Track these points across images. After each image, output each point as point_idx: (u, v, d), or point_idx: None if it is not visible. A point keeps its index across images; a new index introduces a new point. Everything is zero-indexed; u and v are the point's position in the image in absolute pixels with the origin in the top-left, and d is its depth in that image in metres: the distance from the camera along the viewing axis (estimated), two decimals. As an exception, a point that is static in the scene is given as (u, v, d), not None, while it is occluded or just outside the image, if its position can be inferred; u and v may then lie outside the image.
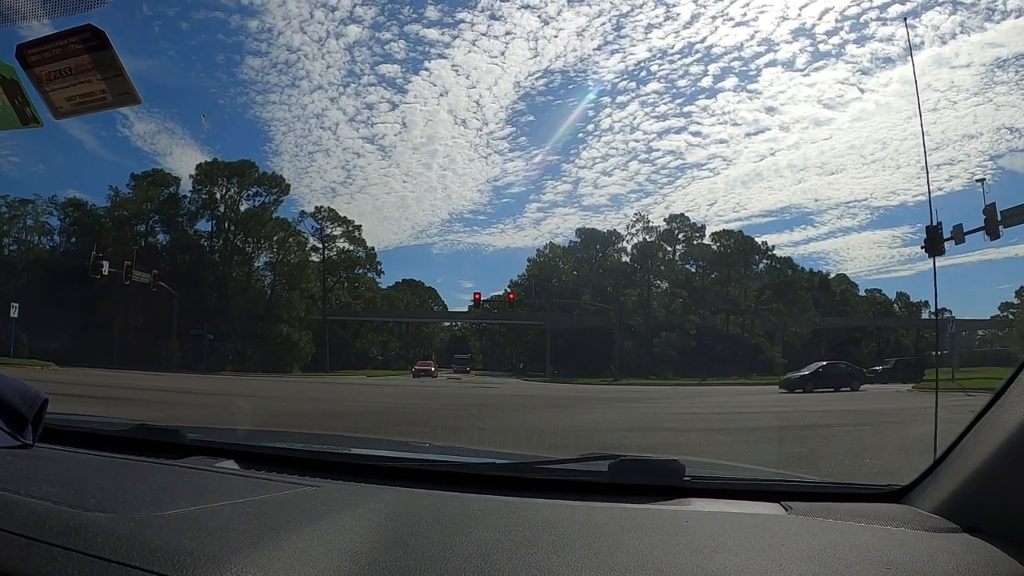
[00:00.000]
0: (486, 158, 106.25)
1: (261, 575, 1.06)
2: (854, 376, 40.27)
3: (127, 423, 2.53)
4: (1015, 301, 79.35)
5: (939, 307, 71.35)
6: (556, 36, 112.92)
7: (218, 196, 71.54)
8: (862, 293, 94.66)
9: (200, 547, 1.12)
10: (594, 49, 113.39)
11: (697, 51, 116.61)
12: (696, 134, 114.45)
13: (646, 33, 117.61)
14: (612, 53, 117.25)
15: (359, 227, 78.83)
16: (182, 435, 2.23)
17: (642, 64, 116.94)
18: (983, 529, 1.40)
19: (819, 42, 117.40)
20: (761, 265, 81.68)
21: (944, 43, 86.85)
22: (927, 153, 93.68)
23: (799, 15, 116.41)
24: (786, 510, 1.65)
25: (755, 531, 1.45)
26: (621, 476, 1.82)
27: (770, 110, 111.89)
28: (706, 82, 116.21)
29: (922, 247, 30.99)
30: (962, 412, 1.58)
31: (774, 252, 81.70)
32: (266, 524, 1.30)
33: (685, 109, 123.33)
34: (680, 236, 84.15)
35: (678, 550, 1.31)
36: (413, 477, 1.91)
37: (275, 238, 72.52)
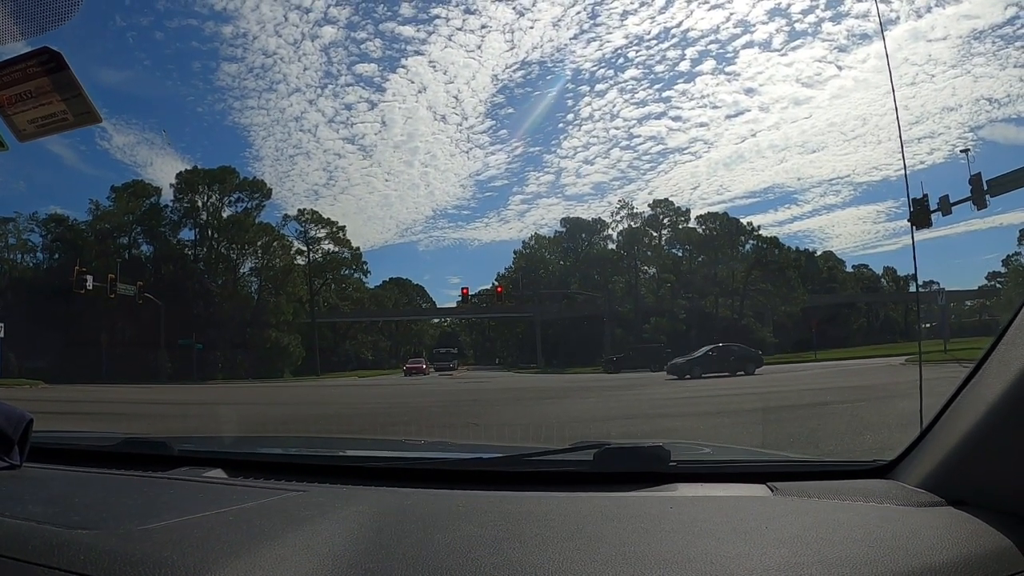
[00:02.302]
0: (467, 152, 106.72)
1: None
2: (750, 359, 37.67)
3: (115, 438, 2.52)
4: (1002, 270, 79.69)
5: (928, 279, 71.79)
6: (532, 27, 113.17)
7: (200, 204, 71.22)
8: (849, 269, 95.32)
9: (182, 559, 1.12)
10: (571, 38, 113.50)
11: (674, 36, 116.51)
12: (676, 119, 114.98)
13: (622, 20, 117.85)
14: (589, 41, 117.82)
15: (343, 228, 78.61)
16: (170, 447, 2.23)
17: (619, 51, 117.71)
18: (967, 502, 1.41)
19: (795, 21, 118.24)
20: (747, 246, 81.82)
21: (920, 17, 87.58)
22: (906, 128, 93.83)
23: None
24: (772, 491, 1.65)
25: (739, 514, 1.46)
26: (607, 465, 1.82)
27: (749, 91, 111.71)
28: (684, 66, 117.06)
29: (908, 220, 31.18)
30: (953, 383, 1.59)
31: (760, 232, 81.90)
32: (249, 532, 1.30)
33: (664, 94, 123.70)
34: (665, 221, 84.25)
35: (661, 537, 1.31)
36: (400, 477, 1.91)
37: (259, 243, 72.20)
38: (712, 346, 38.99)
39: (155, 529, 1.29)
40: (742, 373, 34.97)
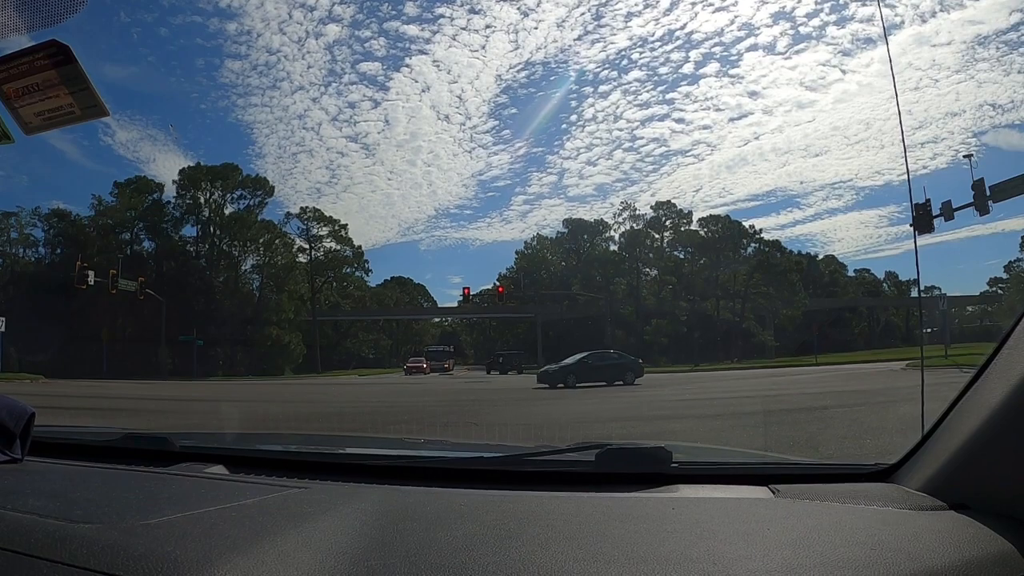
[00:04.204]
0: (470, 152, 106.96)
1: None
2: (629, 367, 34.09)
3: (116, 432, 2.51)
4: (1004, 276, 79.70)
5: (930, 284, 71.74)
6: (536, 28, 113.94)
7: (202, 200, 71.43)
8: (851, 273, 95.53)
9: (184, 554, 1.13)
10: (575, 39, 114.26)
11: (678, 38, 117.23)
12: (679, 121, 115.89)
13: (626, 21, 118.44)
14: (593, 43, 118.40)
15: (345, 226, 78.85)
16: (171, 442, 2.22)
17: (623, 52, 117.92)
18: (969, 506, 1.41)
19: (799, 25, 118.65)
20: (749, 249, 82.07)
21: (924, 21, 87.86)
22: (909, 132, 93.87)
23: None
24: (773, 493, 1.65)
25: (741, 516, 1.46)
26: (608, 465, 1.82)
27: (753, 94, 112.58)
28: (688, 68, 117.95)
29: (911, 225, 31.12)
30: (954, 388, 1.59)
31: (762, 236, 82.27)
32: (251, 528, 1.30)
33: (668, 96, 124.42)
34: (667, 223, 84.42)
35: (663, 538, 1.31)
36: (401, 475, 1.91)
37: (261, 240, 72.40)
38: (588, 352, 36.22)
39: (157, 524, 1.29)
40: (620, 383, 31.79)
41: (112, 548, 1.13)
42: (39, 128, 1.56)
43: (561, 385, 30.72)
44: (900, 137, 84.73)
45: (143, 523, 1.29)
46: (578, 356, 35.02)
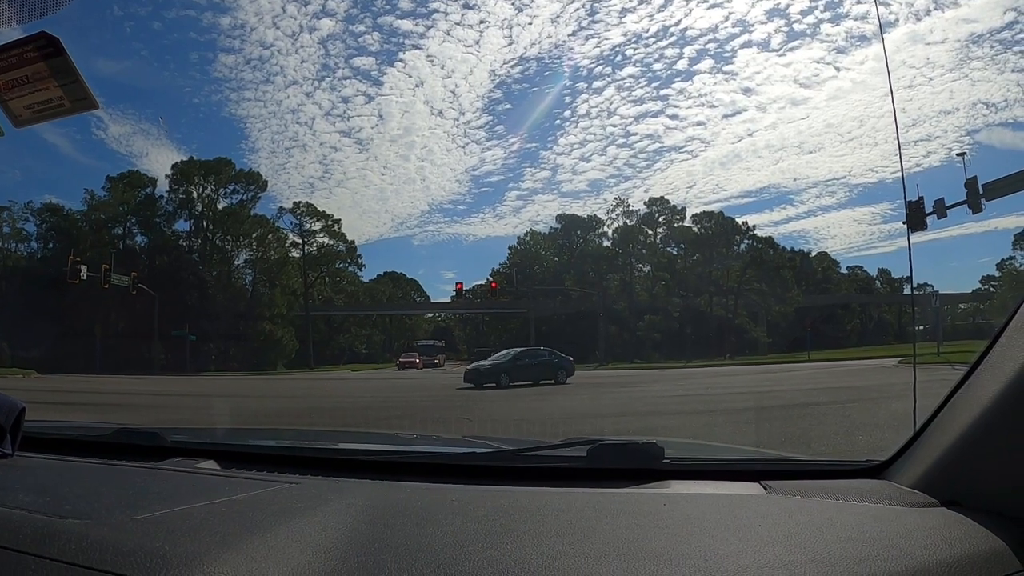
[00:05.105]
0: (464, 148, 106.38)
1: (233, 575, 1.06)
2: (561, 366, 32.18)
3: (107, 428, 2.50)
4: (996, 274, 79.92)
5: (922, 282, 72.00)
6: (530, 23, 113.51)
7: (195, 195, 71.35)
8: (844, 270, 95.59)
9: (173, 549, 1.12)
10: (569, 35, 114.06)
11: (672, 34, 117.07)
12: (673, 117, 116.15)
13: (620, 17, 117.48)
14: (587, 38, 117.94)
15: (338, 221, 78.73)
16: (162, 437, 2.21)
17: (617, 48, 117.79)
18: (960, 502, 1.41)
19: (794, 21, 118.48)
20: (742, 246, 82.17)
21: (919, 19, 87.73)
22: (903, 130, 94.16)
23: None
24: (765, 489, 1.65)
25: (733, 511, 1.46)
26: (600, 461, 1.81)
27: (746, 91, 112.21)
28: (682, 65, 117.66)
29: (904, 223, 31.08)
30: (946, 385, 1.59)
31: (755, 232, 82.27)
32: (240, 523, 1.30)
33: (662, 92, 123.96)
34: (661, 219, 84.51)
35: (654, 533, 1.31)
36: (393, 470, 1.91)
37: (254, 235, 72.39)
38: (520, 350, 34.77)
39: (146, 519, 1.28)
40: (551, 382, 30.13)
41: (101, 544, 1.12)
42: (29, 121, 1.55)
43: (493, 385, 28.53)
44: (893, 135, 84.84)
45: (132, 519, 1.28)
46: (509, 353, 33.63)
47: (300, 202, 78.28)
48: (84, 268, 46.63)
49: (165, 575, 1.04)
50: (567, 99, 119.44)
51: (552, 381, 30.22)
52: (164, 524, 1.27)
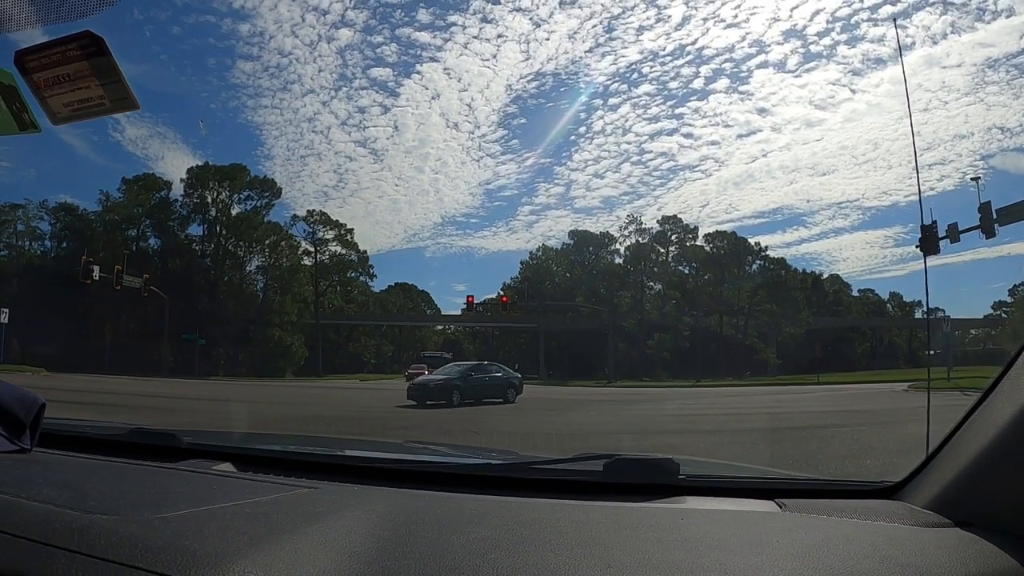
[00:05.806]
0: (478, 161, 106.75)
1: (263, 575, 1.08)
2: (510, 384, 28.63)
3: (124, 427, 2.52)
4: (1008, 300, 79.47)
5: (933, 307, 71.69)
6: (548, 39, 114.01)
7: (209, 200, 71.57)
8: (855, 293, 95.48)
9: (203, 548, 1.14)
10: (586, 51, 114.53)
11: (688, 53, 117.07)
12: (688, 136, 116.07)
13: (637, 35, 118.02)
14: (604, 55, 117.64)
15: (351, 230, 78.95)
16: (178, 438, 2.23)
17: (633, 66, 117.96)
18: (975, 524, 1.41)
19: (810, 43, 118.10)
20: (754, 266, 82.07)
21: (935, 43, 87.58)
22: (919, 153, 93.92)
23: (790, 16, 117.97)
24: (780, 507, 1.66)
25: (749, 528, 1.47)
26: (616, 475, 1.82)
27: (762, 111, 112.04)
28: (697, 84, 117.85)
29: (916, 246, 30.83)
30: (956, 410, 1.60)
31: (767, 253, 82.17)
32: (266, 525, 1.31)
33: (677, 111, 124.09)
34: (673, 238, 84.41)
35: (673, 547, 1.32)
36: (410, 478, 1.91)
37: (267, 242, 72.55)
38: (471, 364, 32.23)
39: (173, 518, 1.30)
40: (500, 400, 27.03)
41: (131, 540, 1.14)
42: (67, 119, 1.56)
43: (443, 402, 24.71)
44: (907, 158, 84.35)
45: (159, 516, 1.30)
46: (457, 368, 30.04)
47: (314, 210, 78.70)
48: (97, 268, 46.76)
49: (197, 573, 1.06)
50: (582, 115, 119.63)
51: (501, 400, 27.12)
52: (191, 523, 1.29)
